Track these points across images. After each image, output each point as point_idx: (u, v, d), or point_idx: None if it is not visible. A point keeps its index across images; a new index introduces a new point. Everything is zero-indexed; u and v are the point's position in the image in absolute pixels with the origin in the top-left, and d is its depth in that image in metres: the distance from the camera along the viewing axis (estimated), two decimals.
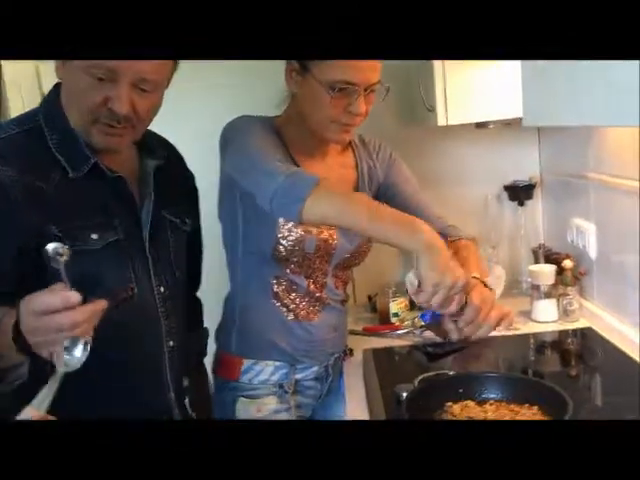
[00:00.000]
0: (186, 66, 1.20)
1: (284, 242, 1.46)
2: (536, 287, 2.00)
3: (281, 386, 1.56)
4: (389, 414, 1.41)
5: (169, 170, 1.33)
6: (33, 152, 1.15)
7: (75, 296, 0.87)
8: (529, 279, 2.08)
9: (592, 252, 1.91)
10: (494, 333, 1.25)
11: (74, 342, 0.86)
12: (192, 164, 1.49)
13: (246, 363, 1.55)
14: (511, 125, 2.02)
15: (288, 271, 1.51)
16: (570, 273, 1.95)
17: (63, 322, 0.87)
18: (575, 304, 1.95)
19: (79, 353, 0.86)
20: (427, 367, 1.68)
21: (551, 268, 1.99)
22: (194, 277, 1.53)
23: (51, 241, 1.09)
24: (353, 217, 1.21)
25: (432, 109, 1.92)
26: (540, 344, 1.90)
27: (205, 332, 1.62)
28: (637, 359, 1.59)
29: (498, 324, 1.25)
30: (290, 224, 1.46)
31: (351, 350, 1.81)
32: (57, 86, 1.20)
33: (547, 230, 2.38)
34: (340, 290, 1.62)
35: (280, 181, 1.23)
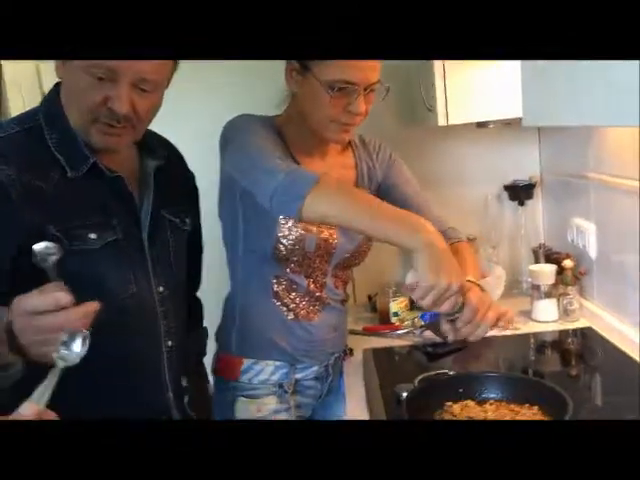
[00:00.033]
0: (186, 66, 1.20)
1: (284, 241, 1.46)
2: (536, 287, 2.00)
3: (281, 386, 1.56)
4: (389, 414, 1.41)
5: (169, 170, 1.33)
6: (33, 151, 1.15)
7: (65, 297, 0.87)
8: (529, 279, 2.08)
9: (592, 252, 1.91)
10: (494, 333, 1.25)
11: (72, 337, 0.86)
12: (192, 164, 1.49)
13: (246, 363, 1.55)
14: (511, 125, 2.02)
15: (288, 270, 1.51)
16: (570, 273, 1.95)
17: (53, 323, 0.87)
18: (575, 304, 1.95)
19: (78, 348, 0.86)
20: (427, 367, 1.68)
21: (551, 268, 1.99)
22: (194, 277, 1.53)
23: (50, 240, 1.09)
24: (353, 215, 1.21)
25: (432, 109, 1.92)
26: (540, 344, 1.90)
27: (205, 332, 1.62)
28: (637, 359, 1.59)
29: (496, 324, 1.24)
30: (290, 223, 1.46)
31: (351, 350, 1.81)
32: (57, 85, 1.20)
33: (547, 230, 2.38)
34: (340, 290, 1.62)
35: (280, 179, 1.23)
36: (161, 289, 1.27)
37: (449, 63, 1.86)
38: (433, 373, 1.52)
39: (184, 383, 1.40)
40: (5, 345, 0.89)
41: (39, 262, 0.89)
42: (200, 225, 1.50)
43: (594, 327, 1.88)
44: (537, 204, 2.39)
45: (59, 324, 0.86)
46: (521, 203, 2.34)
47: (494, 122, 2.02)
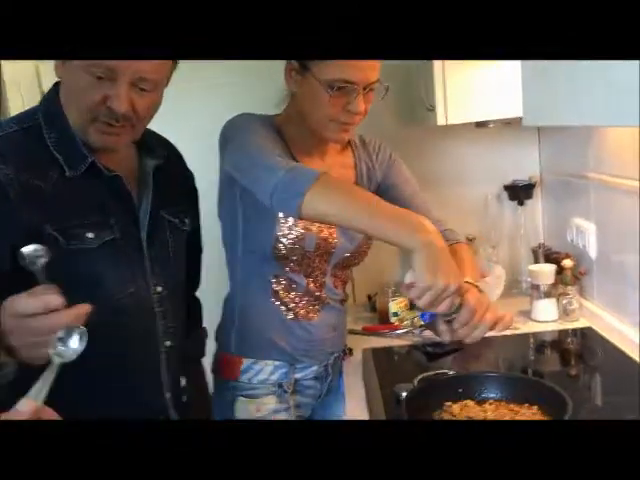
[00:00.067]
0: (185, 65, 1.20)
1: (284, 240, 1.46)
2: (536, 287, 2.00)
3: (280, 385, 1.56)
4: (389, 414, 1.41)
5: (169, 170, 1.33)
6: (31, 150, 1.15)
7: (56, 300, 0.86)
8: (529, 279, 2.08)
9: (592, 252, 1.91)
10: (492, 334, 1.25)
11: (69, 333, 0.86)
12: (192, 163, 1.49)
13: (245, 362, 1.55)
14: (511, 124, 2.02)
15: (287, 270, 1.51)
16: (570, 273, 1.95)
17: (43, 325, 0.86)
18: (575, 304, 1.95)
19: (75, 344, 0.85)
20: (427, 367, 1.68)
21: (551, 268, 1.99)
22: (193, 277, 1.52)
23: (47, 240, 1.09)
24: (353, 213, 1.20)
25: (432, 108, 1.92)
26: (540, 344, 1.90)
27: (204, 332, 1.61)
28: (637, 359, 1.59)
29: (493, 326, 1.23)
30: (290, 222, 1.46)
31: (350, 350, 1.81)
32: (57, 85, 1.20)
33: (547, 230, 2.38)
34: (339, 289, 1.62)
35: (280, 175, 1.22)
36: (159, 289, 1.27)
37: (449, 63, 1.86)
38: (432, 373, 1.52)
39: (183, 383, 1.39)
40: None
41: (28, 265, 0.88)
42: (200, 225, 1.50)
43: (594, 327, 1.88)
44: (537, 204, 2.39)
45: (49, 327, 0.86)
46: (521, 203, 2.34)
47: (494, 122, 2.02)
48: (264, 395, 1.54)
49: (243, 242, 1.52)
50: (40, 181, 1.12)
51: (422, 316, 2.00)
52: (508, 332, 1.69)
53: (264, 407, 1.54)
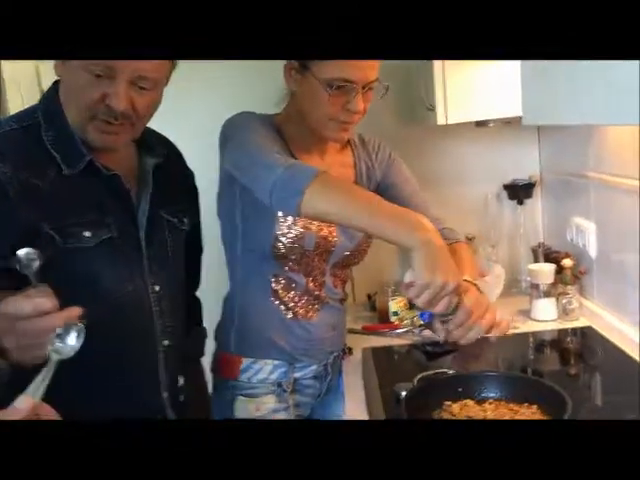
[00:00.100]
0: (185, 64, 1.19)
1: (283, 239, 1.46)
2: (535, 286, 2.00)
3: (280, 385, 1.56)
4: (388, 413, 1.41)
5: (168, 168, 1.33)
6: (29, 149, 1.15)
7: (47, 303, 0.86)
8: (528, 278, 2.08)
9: (592, 251, 1.91)
10: (488, 336, 1.24)
11: (67, 330, 0.86)
12: (191, 162, 1.49)
13: (245, 362, 1.55)
14: (511, 124, 2.02)
15: (287, 269, 1.51)
16: (570, 272, 1.95)
17: (34, 328, 0.86)
18: (575, 303, 1.95)
19: (72, 341, 0.86)
20: (426, 366, 1.69)
21: (551, 267, 1.99)
22: (193, 277, 1.53)
23: (44, 239, 1.09)
24: (352, 212, 1.20)
25: (432, 108, 1.92)
26: (539, 343, 1.90)
27: (203, 332, 1.62)
28: (637, 358, 1.59)
29: (489, 330, 1.23)
30: (289, 221, 1.46)
31: (350, 349, 1.81)
32: (56, 83, 1.21)
33: (547, 229, 2.38)
34: (339, 289, 1.62)
35: (279, 173, 1.22)
36: (157, 288, 1.27)
37: (449, 62, 1.86)
38: (432, 372, 1.52)
39: (181, 383, 1.39)
40: None
41: (23, 268, 0.88)
42: (199, 225, 1.50)
43: (594, 326, 1.88)
44: (536, 203, 2.39)
45: (40, 329, 0.86)
46: (520, 202, 2.34)
47: (494, 121, 2.02)
48: (263, 394, 1.55)
49: (242, 241, 1.52)
50: (38, 180, 1.12)
51: (422, 315, 1.99)
52: (510, 330, 1.69)
53: (263, 406, 1.54)
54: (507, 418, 1.28)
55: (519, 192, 2.33)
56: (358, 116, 1.41)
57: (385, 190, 1.59)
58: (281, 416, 1.55)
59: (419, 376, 1.48)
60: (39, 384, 0.79)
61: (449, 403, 1.35)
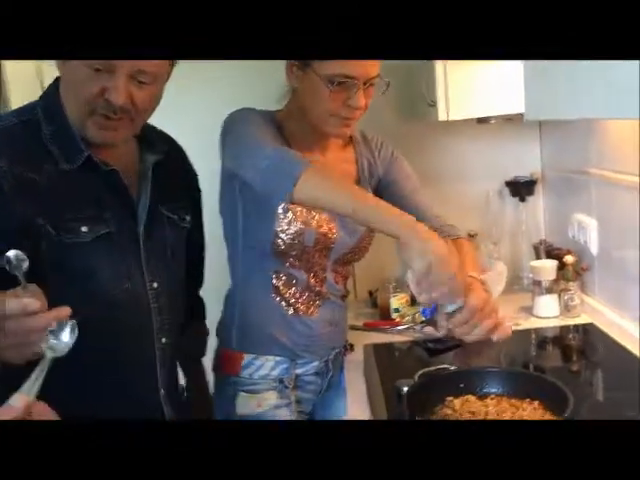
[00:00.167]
0: (185, 61, 1.20)
1: (283, 235, 1.47)
2: (537, 283, 2.00)
3: (281, 381, 1.56)
4: (390, 409, 1.41)
5: (169, 165, 1.33)
6: (27, 143, 1.15)
7: (35, 303, 0.86)
8: (530, 275, 2.08)
9: (593, 248, 1.91)
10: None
11: (60, 326, 0.86)
12: (191, 159, 1.49)
13: (246, 358, 1.55)
14: (512, 120, 2.02)
15: (287, 265, 1.51)
16: (571, 268, 1.95)
17: (22, 327, 0.86)
18: (576, 299, 1.95)
19: (66, 337, 0.86)
20: (428, 362, 1.68)
21: (552, 264, 1.99)
22: (196, 276, 1.52)
23: (39, 233, 1.09)
24: (343, 198, 1.20)
25: (433, 104, 1.92)
26: (541, 339, 1.90)
27: (206, 332, 1.61)
28: (638, 355, 1.59)
29: (491, 331, 1.23)
30: (289, 217, 1.46)
31: (352, 345, 1.81)
32: (57, 80, 1.21)
33: (548, 226, 2.38)
34: (340, 285, 1.62)
35: (271, 157, 1.24)
36: (155, 285, 1.26)
37: None
38: (434, 368, 1.52)
39: (181, 381, 1.39)
40: None
41: (12, 269, 0.88)
42: (202, 223, 1.49)
43: (595, 323, 1.88)
44: (538, 200, 2.39)
45: (27, 328, 0.86)
46: (522, 199, 2.34)
47: (495, 118, 2.02)
48: (265, 390, 1.55)
49: (243, 237, 1.52)
50: (35, 174, 1.12)
51: (423, 312, 2.00)
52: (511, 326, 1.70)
53: (265, 402, 1.54)
54: (509, 414, 1.28)
55: (521, 189, 2.33)
56: (359, 112, 1.41)
57: (386, 187, 1.59)
58: (282, 412, 1.55)
59: (420, 372, 1.48)
60: (33, 382, 0.79)
61: (451, 399, 1.35)
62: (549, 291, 1.98)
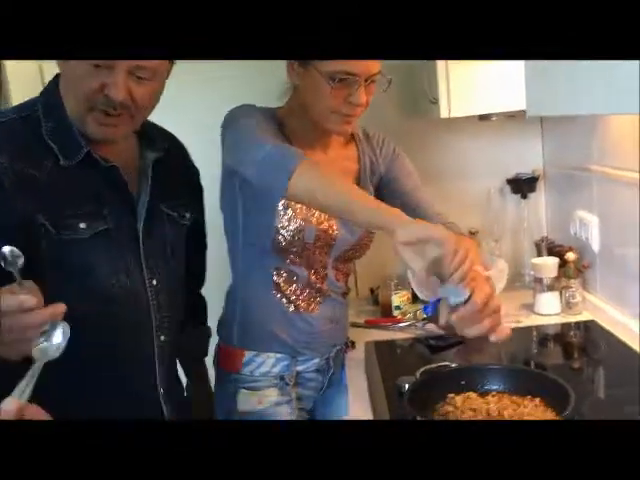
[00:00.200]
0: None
1: (283, 232, 1.47)
2: (539, 280, 2.00)
3: (282, 378, 1.56)
4: (391, 406, 1.41)
5: (169, 162, 1.32)
6: (27, 139, 1.15)
7: (30, 300, 0.86)
8: (532, 272, 2.08)
9: (595, 245, 1.91)
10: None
11: (53, 327, 0.86)
12: (192, 157, 1.49)
13: (247, 355, 1.55)
14: (514, 117, 2.02)
15: (288, 262, 1.52)
16: (573, 266, 1.95)
17: (17, 323, 0.86)
18: (578, 297, 1.95)
19: (58, 339, 0.86)
20: (429, 360, 1.68)
21: (554, 261, 1.99)
22: (198, 274, 1.52)
23: (39, 230, 1.09)
24: (337, 194, 1.19)
25: (435, 101, 1.92)
26: (543, 337, 1.90)
27: (207, 331, 1.61)
28: (639, 352, 1.59)
29: (491, 330, 1.22)
30: (289, 214, 1.46)
31: (353, 342, 1.82)
32: (57, 76, 1.21)
33: (550, 223, 2.38)
34: (341, 282, 1.62)
35: (267, 150, 1.24)
36: (154, 282, 1.26)
37: None
38: (435, 365, 1.53)
39: (185, 382, 1.39)
40: None
41: (7, 265, 0.88)
42: (203, 221, 1.49)
43: (597, 320, 1.88)
44: (540, 197, 2.39)
45: (25, 325, 0.86)
46: (524, 196, 2.34)
47: (497, 115, 2.02)
48: (266, 387, 1.55)
49: (243, 234, 1.52)
50: (35, 170, 1.12)
51: (425, 309, 2.00)
52: (512, 325, 1.70)
53: (266, 399, 1.55)
54: (510, 410, 1.28)
55: (522, 186, 2.32)
56: (361, 109, 1.41)
57: (388, 184, 1.59)
58: (283, 409, 1.56)
59: (422, 369, 1.49)
60: (25, 385, 0.79)
61: (452, 396, 1.35)
62: (550, 288, 1.98)
